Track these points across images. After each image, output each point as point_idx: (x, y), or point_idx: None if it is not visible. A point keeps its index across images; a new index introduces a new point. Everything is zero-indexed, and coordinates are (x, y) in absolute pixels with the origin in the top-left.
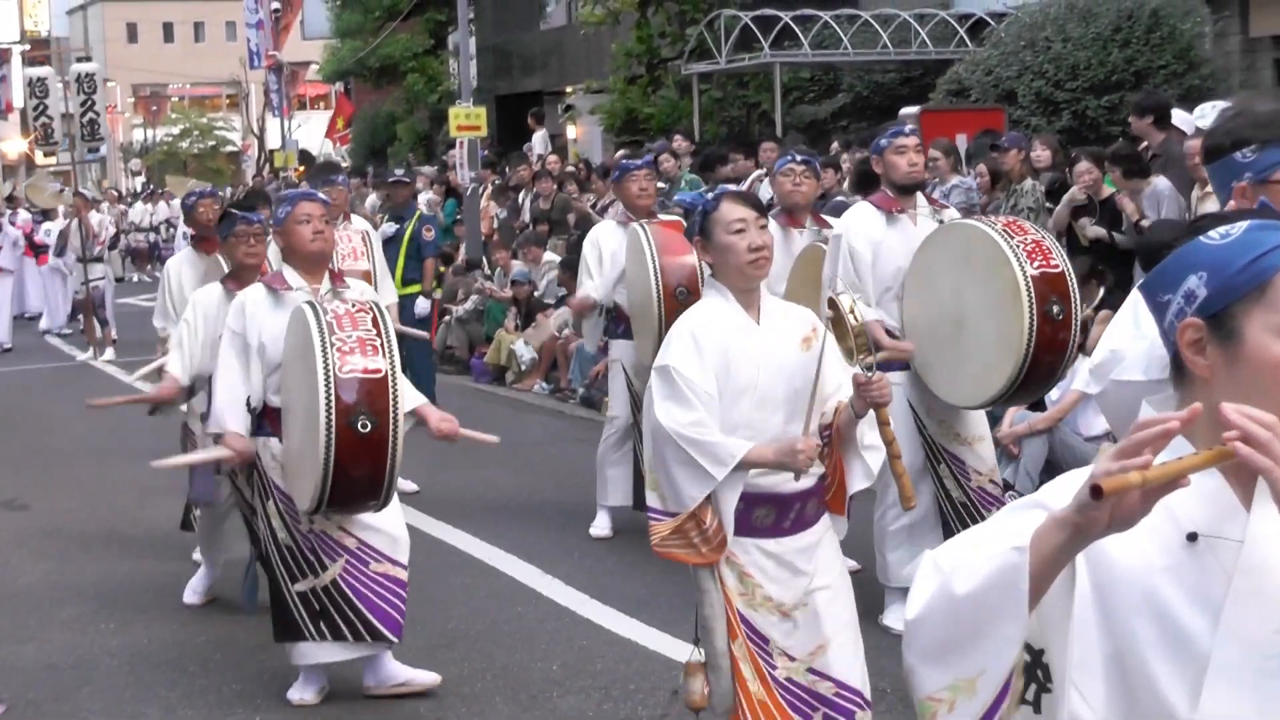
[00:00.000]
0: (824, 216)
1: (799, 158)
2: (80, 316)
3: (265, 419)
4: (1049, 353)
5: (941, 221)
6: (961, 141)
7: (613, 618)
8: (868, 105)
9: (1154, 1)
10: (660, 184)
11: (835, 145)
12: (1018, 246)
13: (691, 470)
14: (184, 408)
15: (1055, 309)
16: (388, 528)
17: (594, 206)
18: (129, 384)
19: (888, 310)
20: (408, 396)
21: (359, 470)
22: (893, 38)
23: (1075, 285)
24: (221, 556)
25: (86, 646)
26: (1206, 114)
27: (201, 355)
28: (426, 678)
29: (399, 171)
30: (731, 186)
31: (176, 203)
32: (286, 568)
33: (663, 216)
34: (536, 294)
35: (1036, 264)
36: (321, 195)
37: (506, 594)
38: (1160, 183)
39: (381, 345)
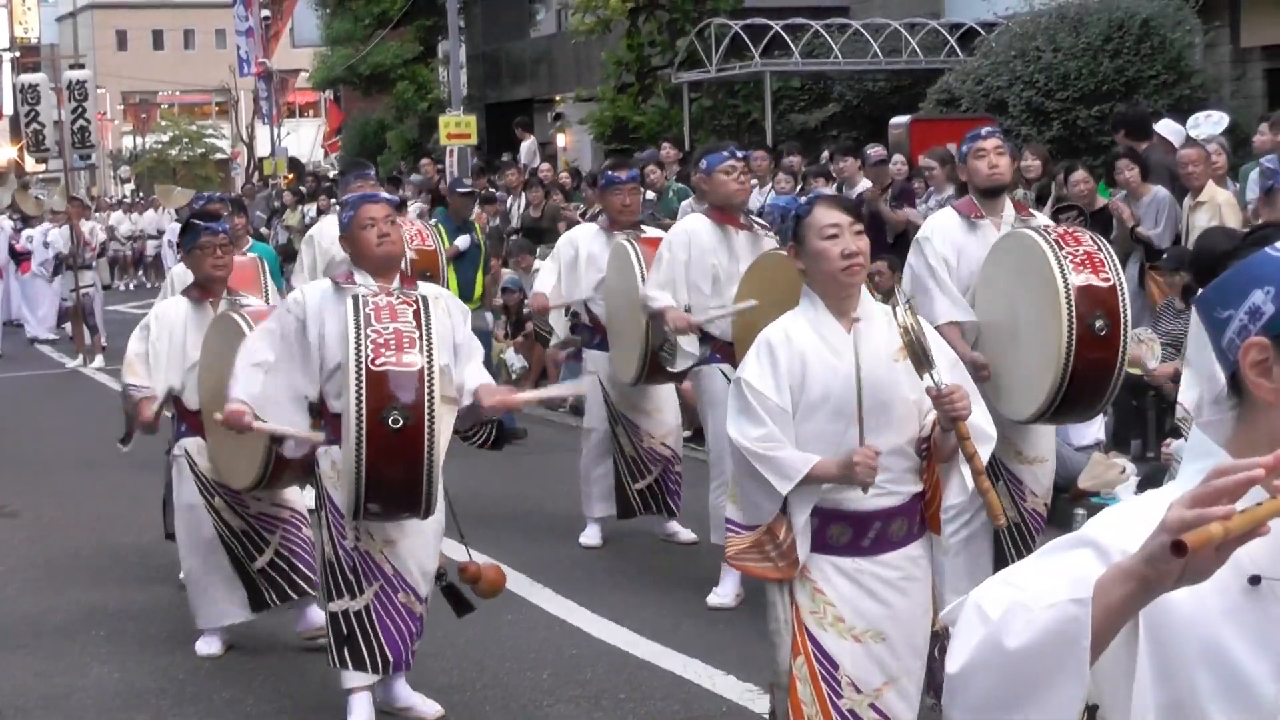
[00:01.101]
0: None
1: (739, 153)
2: (68, 324)
3: (329, 426)
4: (1091, 370)
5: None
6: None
7: (603, 626)
8: (858, 114)
9: (1145, 11)
10: (648, 195)
11: (826, 154)
12: (1066, 257)
13: (760, 484)
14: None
15: (1099, 324)
16: (421, 559)
17: (583, 215)
18: (118, 392)
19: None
20: (469, 379)
21: (392, 470)
22: (883, 47)
23: (1126, 302)
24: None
25: (76, 653)
26: (1200, 124)
27: (169, 371)
28: (430, 709)
29: (468, 181)
30: (826, 190)
31: (154, 211)
32: (325, 584)
33: (648, 231)
34: (527, 301)
35: (1083, 276)
36: (385, 195)
37: (496, 602)
38: (1160, 192)
39: (420, 339)
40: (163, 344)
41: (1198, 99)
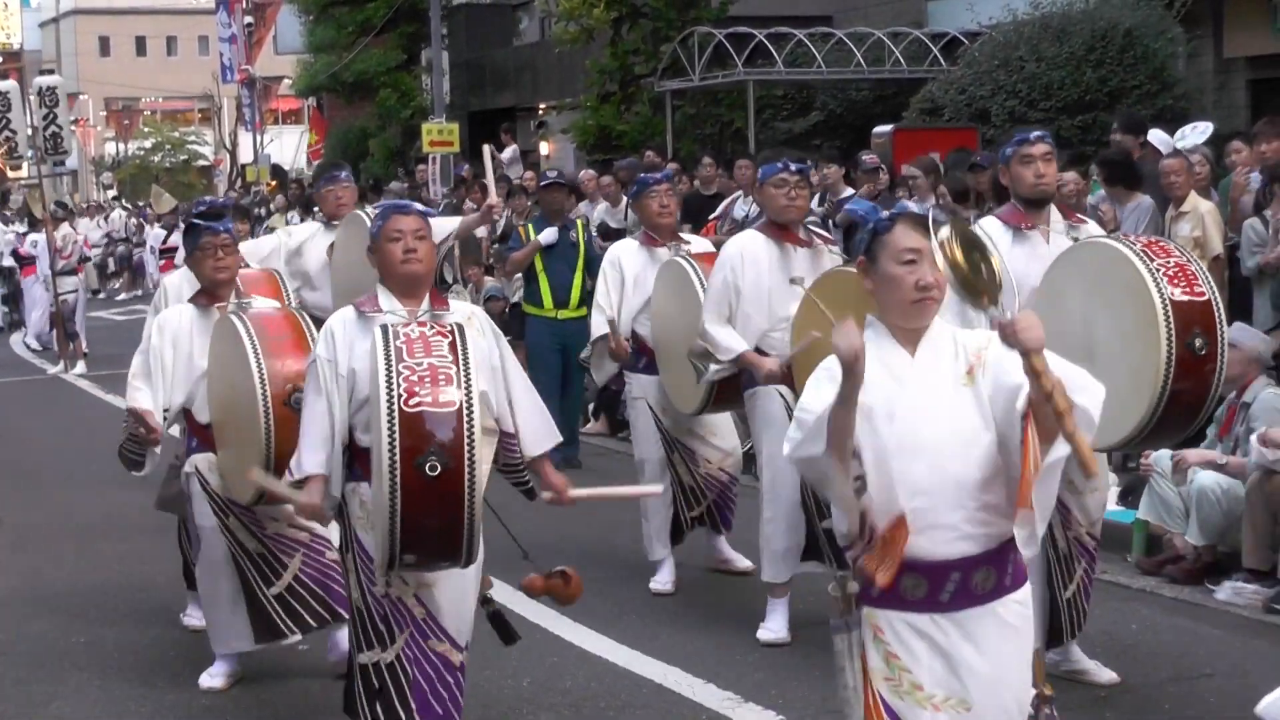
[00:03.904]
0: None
1: (793, 165)
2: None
3: (356, 461)
4: (1189, 392)
5: (1077, 239)
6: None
7: (583, 635)
8: (841, 123)
9: (1128, 21)
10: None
11: (810, 164)
12: (1158, 270)
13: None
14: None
15: (1199, 342)
16: (459, 604)
17: None
18: (100, 398)
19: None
20: (532, 438)
21: (430, 521)
22: (866, 56)
23: (1223, 316)
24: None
25: (56, 661)
26: (1187, 135)
27: (173, 384)
28: None
29: (551, 174)
30: (910, 205)
31: (124, 213)
32: (355, 634)
33: (693, 242)
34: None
35: (1179, 290)
36: (418, 207)
37: (476, 611)
38: (1145, 200)
39: (457, 374)
40: (168, 355)
41: (1180, 109)
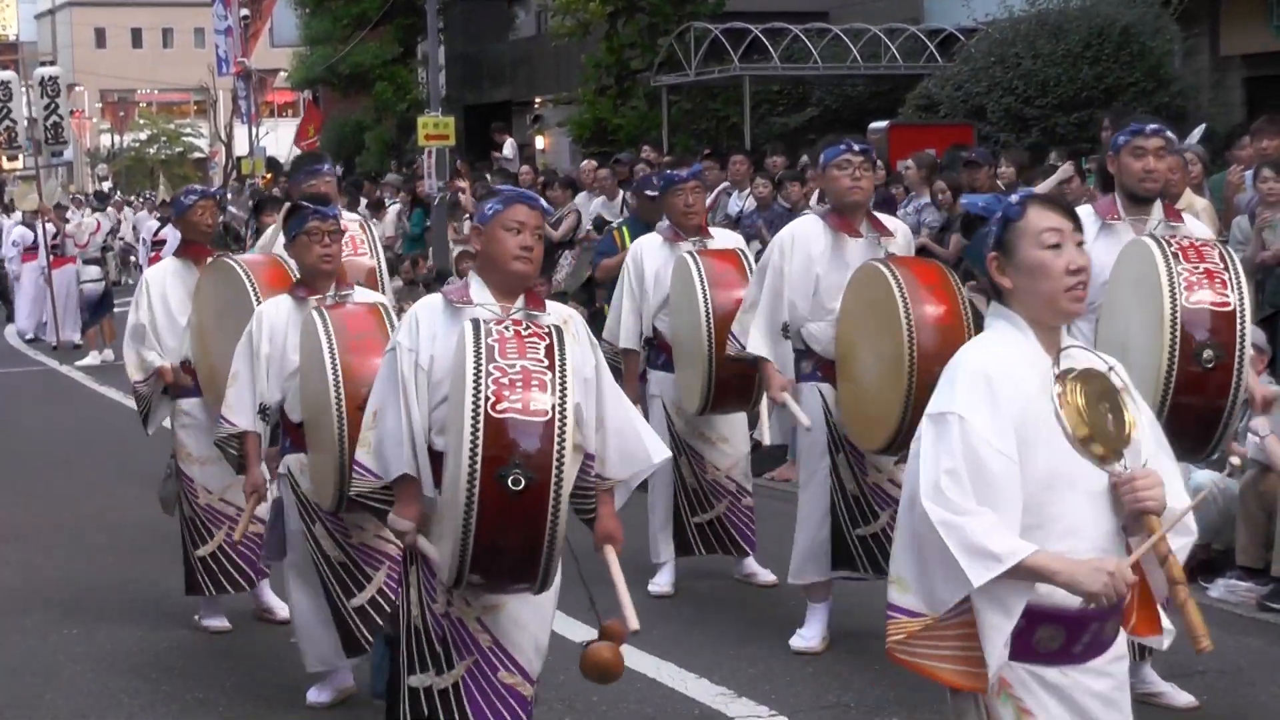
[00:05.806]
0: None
1: (857, 146)
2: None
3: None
4: (1197, 407)
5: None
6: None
7: (576, 630)
8: (837, 119)
9: (1124, 19)
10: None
11: (805, 158)
12: (1180, 274)
13: (944, 563)
14: (167, 423)
15: (1207, 354)
16: (532, 630)
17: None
18: (94, 390)
19: (1082, 332)
20: (619, 460)
21: (507, 539)
22: (863, 52)
23: (1246, 331)
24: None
25: (49, 653)
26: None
27: (269, 381)
28: None
29: (657, 179)
30: (1033, 189)
31: (110, 208)
32: (408, 653)
33: (716, 238)
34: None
35: (1196, 296)
36: (543, 203)
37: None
38: None
39: (551, 381)
40: (264, 349)
41: (1176, 106)
